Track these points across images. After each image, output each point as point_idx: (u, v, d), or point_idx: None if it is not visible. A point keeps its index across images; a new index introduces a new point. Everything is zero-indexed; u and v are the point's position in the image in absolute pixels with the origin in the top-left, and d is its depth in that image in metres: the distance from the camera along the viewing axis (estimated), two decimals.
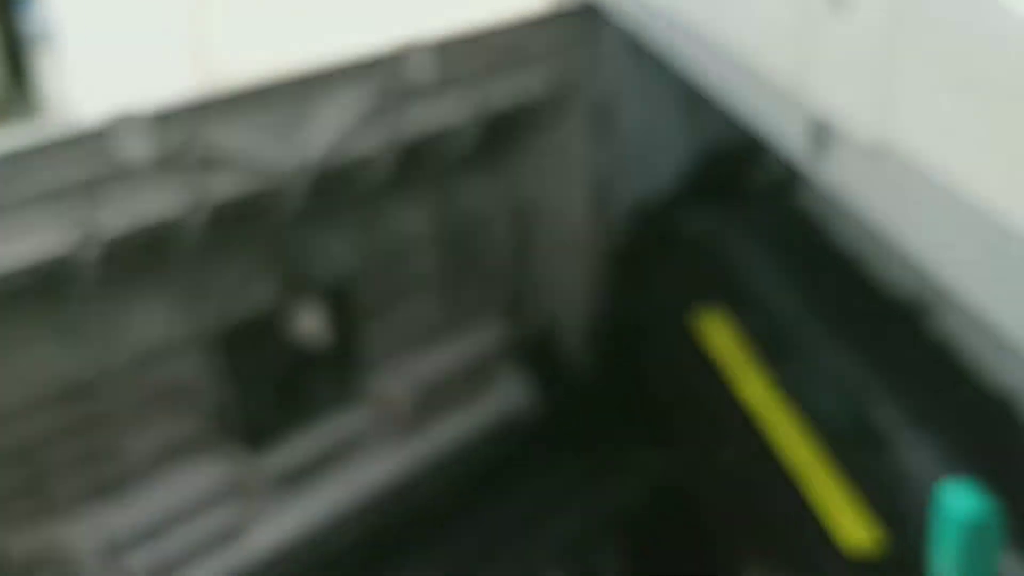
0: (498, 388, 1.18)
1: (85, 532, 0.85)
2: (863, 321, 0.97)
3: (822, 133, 0.61)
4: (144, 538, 0.88)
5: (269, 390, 0.95)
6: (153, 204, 0.71)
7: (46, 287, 0.71)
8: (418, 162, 0.94)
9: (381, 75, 0.83)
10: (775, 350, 1.00)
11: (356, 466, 1.05)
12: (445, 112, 0.90)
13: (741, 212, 1.14)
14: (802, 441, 0.92)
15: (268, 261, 0.90)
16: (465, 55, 0.89)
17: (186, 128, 0.70)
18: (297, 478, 1.00)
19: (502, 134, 1.05)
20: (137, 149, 0.68)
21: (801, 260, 1.07)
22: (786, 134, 0.65)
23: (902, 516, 0.81)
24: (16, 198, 0.64)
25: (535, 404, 1.19)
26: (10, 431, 0.78)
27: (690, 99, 1.09)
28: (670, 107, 1.12)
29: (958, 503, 0.57)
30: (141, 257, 0.77)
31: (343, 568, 0.99)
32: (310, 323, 0.98)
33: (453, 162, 0.98)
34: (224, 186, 0.75)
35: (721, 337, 1.05)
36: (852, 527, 0.84)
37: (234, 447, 0.94)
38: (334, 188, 0.88)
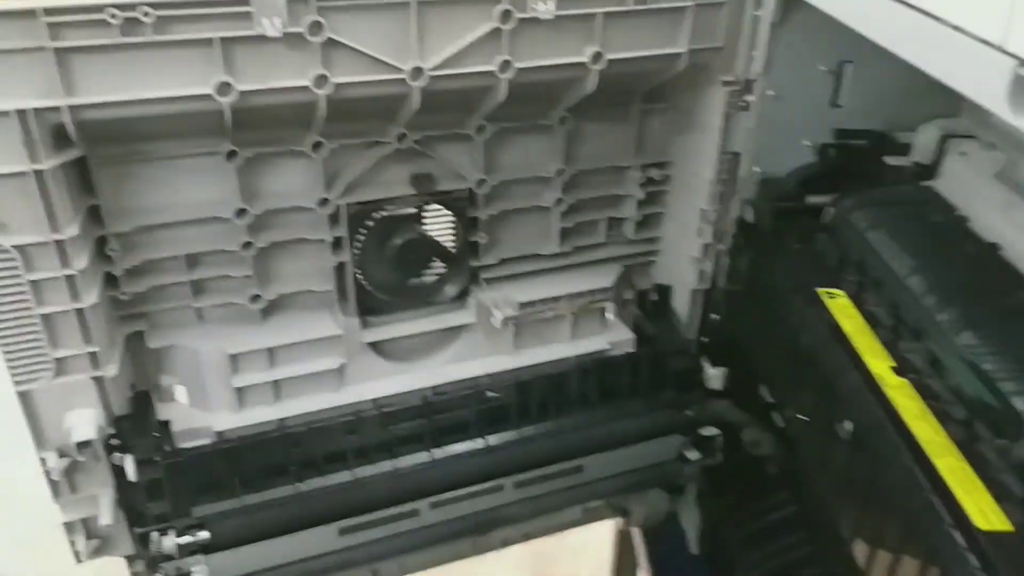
0: (605, 330, 1.17)
1: (215, 342, 0.98)
2: (1002, 307, 0.85)
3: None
4: (262, 359, 1.00)
5: (385, 271, 1.02)
6: (282, 71, 0.81)
7: (206, 123, 0.83)
8: (535, 96, 0.96)
9: (502, 5, 0.86)
10: (906, 331, 0.90)
11: (446, 359, 1.10)
12: (561, 51, 0.91)
13: (875, 196, 1.03)
14: (929, 421, 0.81)
15: (399, 158, 0.97)
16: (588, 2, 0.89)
17: (314, 14, 0.79)
18: (391, 351, 1.07)
19: (634, 87, 1.04)
20: (272, 25, 0.79)
21: (936, 246, 0.94)
22: (984, 86, 0.58)
23: None
24: (173, 41, 0.76)
25: (640, 352, 1.16)
26: (182, 240, 0.91)
27: (837, 79, 1.01)
28: (815, 86, 1.04)
29: None
30: (278, 121, 0.88)
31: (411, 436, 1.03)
32: (433, 224, 1.04)
33: (575, 103, 0.98)
34: (345, 71, 0.83)
35: (847, 315, 0.96)
36: (982, 509, 0.72)
37: (347, 311, 1.03)
38: (452, 103, 0.93)
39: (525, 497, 1.05)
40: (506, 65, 0.89)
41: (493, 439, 1.03)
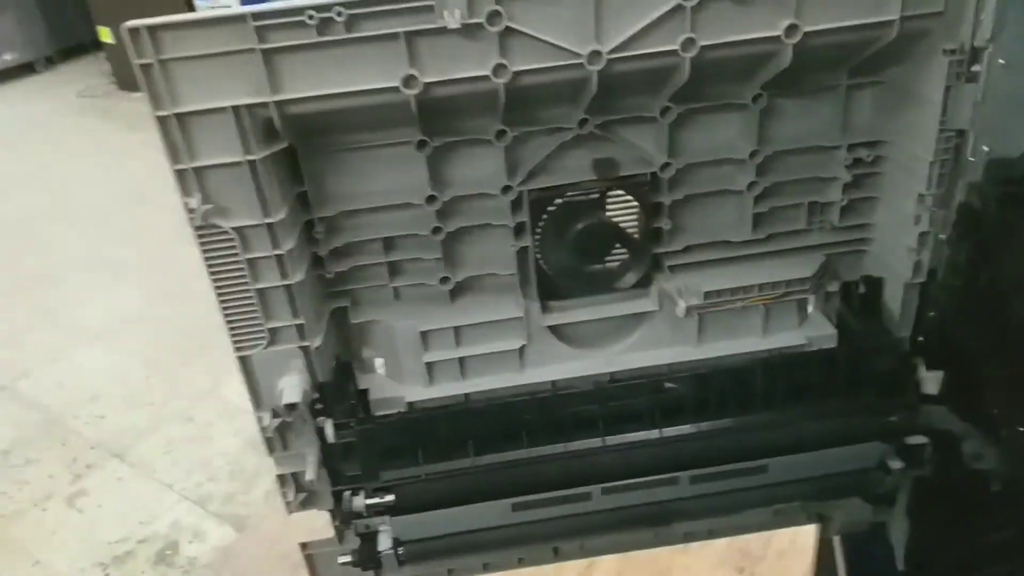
0: (802, 324, 1.08)
1: (408, 319, 1.03)
2: None
3: None
4: (450, 337, 1.04)
5: (566, 257, 1.01)
6: (463, 62, 0.83)
7: (397, 115, 0.87)
8: (724, 73, 0.91)
9: None
10: None
11: (626, 346, 1.07)
12: (750, 26, 0.85)
13: None
14: None
15: (581, 143, 0.96)
16: None
17: (493, 4, 0.80)
18: (570, 336, 1.06)
19: (838, 60, 0.94)
20: (452, 16, 0.81)
21: None
22: None
23: None
24: (363, 37, 0.80)
25: (838, 349, 1.06)
26: (379, 225, 0.97)
27: None
28: None
29: None
30: (463, 111, 0.90)
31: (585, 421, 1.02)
32: (615, 210, 1.02)
33: (770, 80, 0.91)
34: (523, 59, 0.84)
35: None
36: None
37: (528, 295, 1.04)
38: (634, 85, 0.90)
39: (703, 493, 1.00)
40: (689, 43, 0.84)
41: (669, 431, 0.99)
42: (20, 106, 5.36)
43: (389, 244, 1.00)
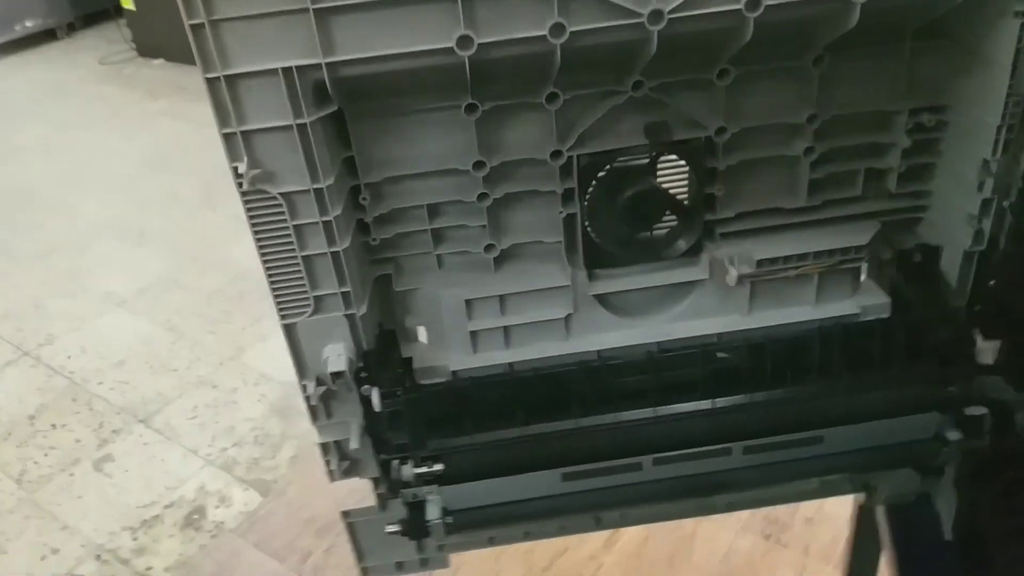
0: (856, 293, 1.05)
1: (453, 287, 1.01)
2: None
3: None
4: (495, 305, 1.02)
5: (615, 224, 0.99)
6: (520, 22, 0.80)
7: (448, 77, 0.84)
8: (787, 35, 0.87)
9: None
10: None
11: (675, 315, 1.05)
12: None
13: None
14: None
15: (633, 107, 0.93)
16: None
17: None
18: (618, 305, 1.04)
19: (905, 20, 0.90)
20: None
21: None
22: None
23: None
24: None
25: (895, 319, 1.04)
26: (425, 191, 0.95)
27: None
28: None
29: None
30: (515, 73, 0.87)
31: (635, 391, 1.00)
32: (667, 175, 0.99)
33: (830, 41, 0.88)
34: (582, 19, 0.81)
35: None
36: None
37: (575, 263, 1.02)
38: (693, 46, 0.87)
39: (754, 464, 0.99)
40: (754, 3, 0.81)
41: (721, 401, 0.97)
42: (43, 73, 5.33)
43: (434, 211, 0.98)
